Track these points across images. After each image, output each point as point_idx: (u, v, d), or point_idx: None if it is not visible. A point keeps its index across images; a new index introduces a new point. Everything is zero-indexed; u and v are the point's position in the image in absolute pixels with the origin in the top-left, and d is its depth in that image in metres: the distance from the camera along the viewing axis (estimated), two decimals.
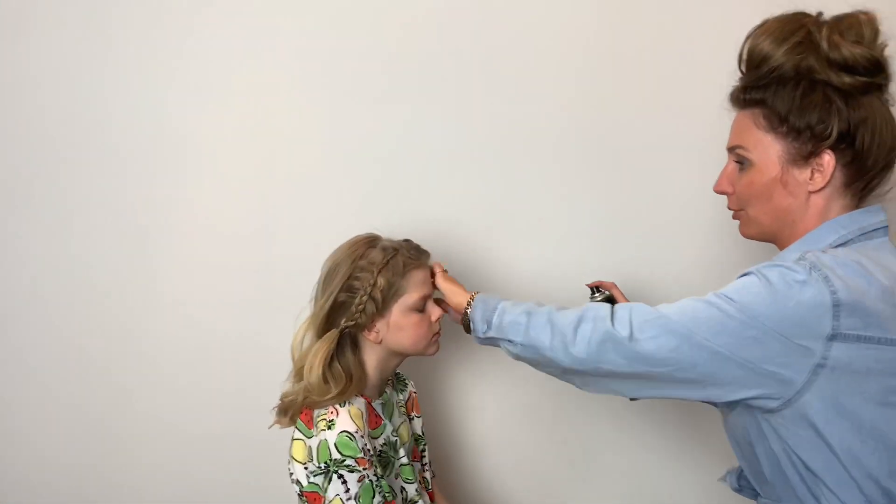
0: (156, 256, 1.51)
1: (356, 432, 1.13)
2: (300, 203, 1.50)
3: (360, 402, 1.19)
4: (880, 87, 1.02)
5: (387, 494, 1.16)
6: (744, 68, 1.06)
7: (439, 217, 1.49)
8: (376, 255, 1.19)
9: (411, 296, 1.20)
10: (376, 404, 1.24)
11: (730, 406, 1.05)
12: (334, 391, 1.16)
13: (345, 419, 1.14)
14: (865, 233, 1.01)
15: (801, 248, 1.02)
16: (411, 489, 1.26)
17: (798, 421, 0.96)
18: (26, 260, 1.52)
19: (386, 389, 1.29)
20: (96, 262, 1.52)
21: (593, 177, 1.49)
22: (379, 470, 1.18)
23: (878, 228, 1.02)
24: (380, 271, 1.17)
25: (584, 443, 1.56)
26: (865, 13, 1.01)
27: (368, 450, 1.15)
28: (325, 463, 1.12)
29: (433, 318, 1.23)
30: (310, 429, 1.17)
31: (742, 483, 1.15)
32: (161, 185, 1.49)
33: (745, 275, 0.99)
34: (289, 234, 1.50)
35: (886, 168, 1.03)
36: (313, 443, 1.15)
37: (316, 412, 1.18)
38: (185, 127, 1.48)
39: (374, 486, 1.14)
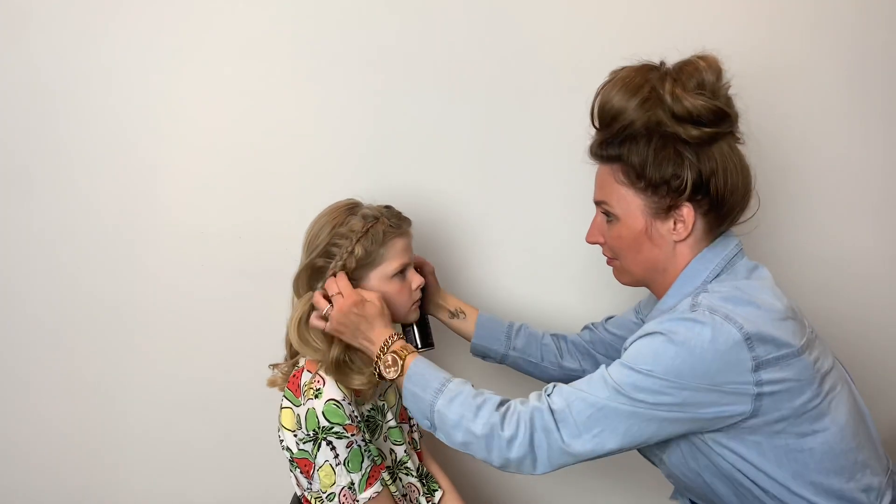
0: (139, 231, 1.52)
1: (343, 400, 1.16)
2: (285, 169, 1.49)
3: None
4: (729, 134, 1.04)
5: (375, 458, 1.20)
6: (597, 124, 1.07)
7: (422, 185, 1.49)
8: (356, 223, 1.19)
9: (391, 264, 1.21)
10: None
11: (663, 448, 1.08)
12: (316, 346, 1.19)
13: (331, 387, 1.17)
14: (729, 260, 1.06)
15: (681, 291, 1.06)
16: (400, 451, 1.30)
17: (740, 439, 1.00)
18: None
19: None
20: (77, 239, 1.52)
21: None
22: (367, 435, 1.21)
23: (737, 253, 1.07)
24: (358, 239, 1.18)
25: None
26: (704, 58, 1.02)
27: (356, 416, 1.18)
28: (314, 430, 1.15)
29: (413, 286, 1.25)
30: (297, 397, 1.19)
31: None
32: (144, 151, 1.48)
33: (647, 335, 1.00)
34: (274, 201, 1.50)
35: (743, 210, 1.07)
36: (301, 411, 1.17)
37: (303, 381, 1.20)
38: (167, 90, 1.46)
39: (363, 450, 1.17)
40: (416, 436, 1.38)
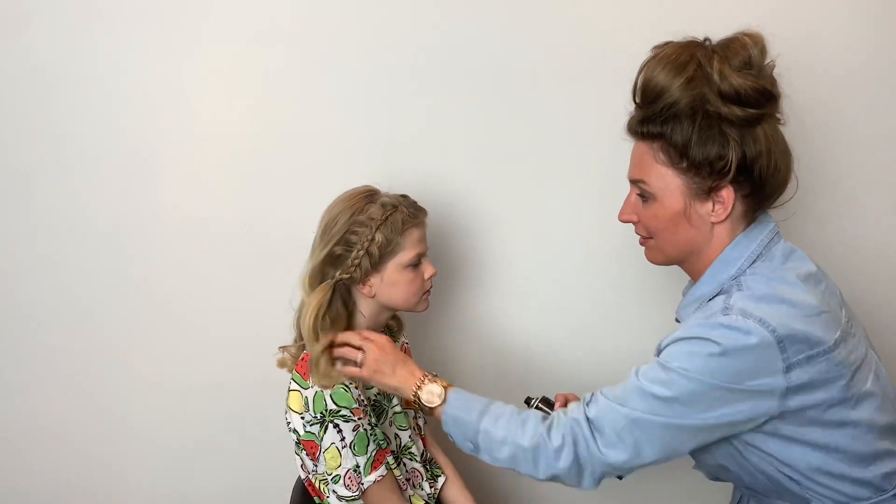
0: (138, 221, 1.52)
1: (350, 384, 1.17)
2: (289, 159, 1.49)
3: None
4: (772, 115, 1.03)
5: (381, 442, 1.21)
6: (639, 100, 1.05)
7: (435, 172, 1.49)
8: (375, 211, 1.20)
9: (407, 253, 1.22)
10: None
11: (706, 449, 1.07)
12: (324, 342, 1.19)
13: None
14: (765, 245, 1.05)
15: (716, 278, 1.05)
16: (405, 436, 1.32)
17: (768, 434, 1.01)
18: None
19: None
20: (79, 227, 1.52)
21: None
22: (373, 419, 1.22)
23: (773, 237, 1.06)
24: (378, 227, 1.18)
25: (571, 382, 1.60)
26: (750, 35, 1.00)
27: (362, 400, 1.19)
28: (321, 413, 1.16)
29: (426, 276, 1.26)
30: (306, 380, 1.21)
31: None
32: (146, 144, 1.48)
33: (682, 340, 1.00)
34: (277, 192, 1.50)
35: (782, 192, 1.06)
36: (309, 394, 1.19)
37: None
38: (170, 82, 1.46)
39: (369, 434, 1.18)
40: (420, 422, 1.40)
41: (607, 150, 1.42)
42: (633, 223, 1.12)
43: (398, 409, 1.31)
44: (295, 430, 1.22)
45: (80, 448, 1.63)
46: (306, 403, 1.19)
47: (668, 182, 1.03)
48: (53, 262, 1.54)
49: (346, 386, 1.17)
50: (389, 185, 1.27)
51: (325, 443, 1.17)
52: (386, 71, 1.45)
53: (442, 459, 1.41)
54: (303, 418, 1.20)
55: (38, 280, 1.54)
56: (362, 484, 1.18)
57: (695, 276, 1.11)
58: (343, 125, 1.47)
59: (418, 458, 1.33)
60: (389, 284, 1.22)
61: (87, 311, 1.56)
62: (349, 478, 1.17)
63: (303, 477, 1.28)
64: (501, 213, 1.52)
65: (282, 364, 1.28)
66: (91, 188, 1.50)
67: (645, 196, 1.07)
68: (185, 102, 1.47)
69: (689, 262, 1.09)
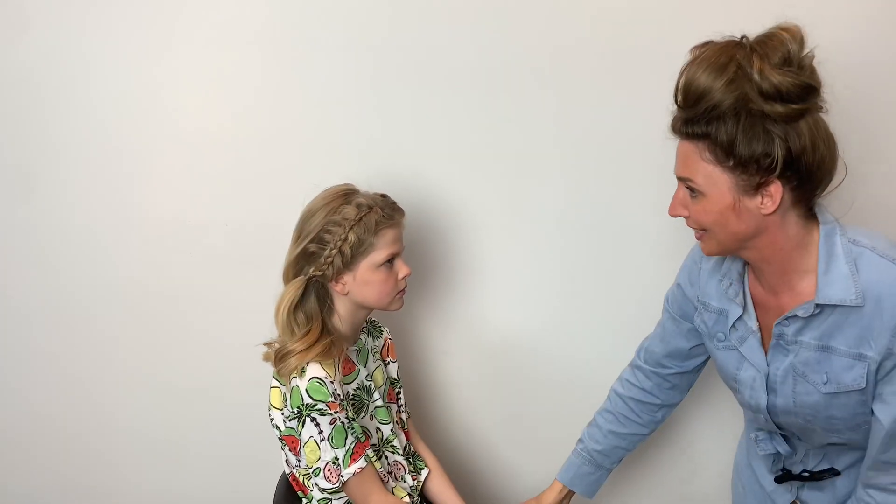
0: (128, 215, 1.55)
1: (325, 378, 1.20)
2: (274, 160, 1.51)
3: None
4: (815, 107, 1.03)
5: (359, 435, 1.24)
6: (681, 102, 1.05)
7: (419, 172, 1.50)
8: (350, 211, 1.22)
9: (380, 253, 1.24)
10: (350, 351, 1.31)
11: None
12: (298, 335, 1.23)
13: (315, 367, 1.21)
14: (832, 237, 1.06)
15: (833, 278, 1.05)
16: (386, 429, 1.34)
17: None
18: None
19: (361, 336, 1.36)
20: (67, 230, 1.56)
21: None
22: (351, 413, 1.25)
23: (835, 225, 1.07)
24: (351, 227, 1.21)
25: (551, 377, 1.62)
26: (787, 29, 1.00)
27: (338, 394, 1.22)
28: (298, 408, 1.19)
29: (399, 276, 1.28)
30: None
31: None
32: (133, 146, 1.51)
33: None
34: (259, 189, 1.53)
35: (830, 180, 1.06)
36: (287, 389, 1.22)
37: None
38: (158, 85, 1.48)
39: (346, 427, 1.21)
40: (403, 415, 1.43)
41: (598, 150, 1.47)
42: (685, 218, 1.12)
43: (379, 403, 1.34)
44: (277, 427, 1.25)
45: (74, 447, 1.66)
46: (284, 399, 1.22)
47: (716, 179, 1.04)
48: (47, 263, 1.57)
49: (321, 380, 1.20)
50: (371, 184, 1.29)
51: (304, 437, 1.20)
52: (369, 71, 1.46)
53: (425, 452, 1.44)
54: (282, 413, 1.23)
55: (33, 282, 1.58)
56: (342, 476, 1.20)
57: (755, 264, 1.12)
58: (326, 126, 1.49)
59: (400, 452, 1.36)
60: (362, 283, 1.25)
61: (80, 312, 1.59)
62: (329, 470, 1.20)
63: (287, 472, 1.31)
64: (487, 212, 1.54)
65: (266, 358, 1.31)
66: (82, 191, 1.54)
67: (693, 192, 1.07)
68: (172, 106, 1.50)
69: (747, 250, 1.09)
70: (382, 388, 1.37)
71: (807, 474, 1.19)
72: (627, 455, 1.42)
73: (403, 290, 1.30)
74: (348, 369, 1.30)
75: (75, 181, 1.53)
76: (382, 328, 1.45)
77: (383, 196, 1.28)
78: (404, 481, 1.35)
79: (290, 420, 1.22)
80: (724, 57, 1.00)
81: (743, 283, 1.15)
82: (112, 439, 1.67)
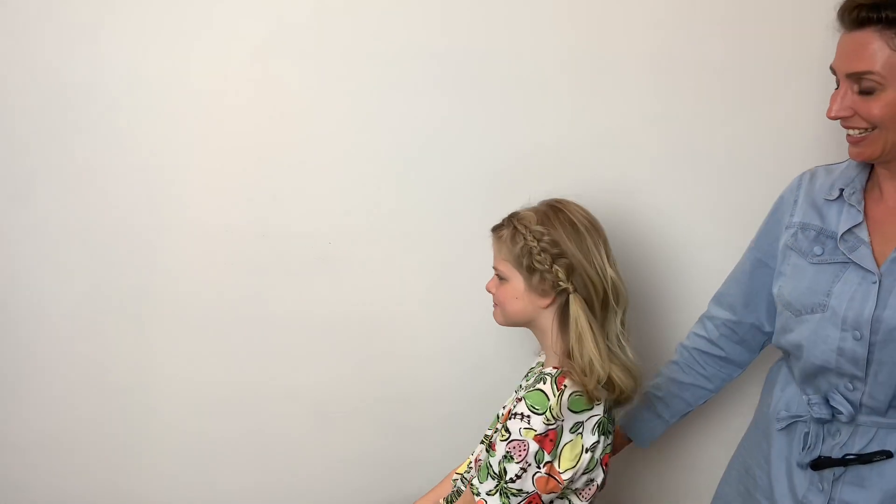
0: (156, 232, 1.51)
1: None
2: (311, 166, 1.47)
3: None
4: None
5: None
6: None
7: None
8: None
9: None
10: None
11: None
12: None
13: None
14: None
15: None
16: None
17: None
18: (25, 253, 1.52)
19: None
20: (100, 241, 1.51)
21: None
22: None
23: None
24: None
25: None
26: None
27: None
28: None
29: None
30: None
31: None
32: (168, 149, 1.47)
33: None
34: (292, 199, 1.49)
35: None
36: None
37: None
38: (193, 88, 1.44)
39: None
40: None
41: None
42: (847, 118, 1.06)
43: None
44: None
45: (120, 452, 1.62)
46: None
47: None
48: (80, 266, 1.53)
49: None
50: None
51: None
52: (406, 76, 1.43)
53: None
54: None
55: (65, 285, 1.53)
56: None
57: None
58: (363, 132, 1.46)
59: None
60: None
61: (112, 315, 1.55)
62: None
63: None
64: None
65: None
66: (134, 197, 1.49)
67: (870, 88, 1.02)
68: (209, 111, 1.46)
69: None
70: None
71: (852, 457, 1.09)
72: (690, 412, 1.36)
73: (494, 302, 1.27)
74: None
75: (130, 187, 1.49)
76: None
77: None
78: None
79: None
80: None
81: (863, 196, 1.12)
82: (157, 445, 1.62)
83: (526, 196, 1.22)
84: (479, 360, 1.52)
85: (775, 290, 1.18)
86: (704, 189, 1.43)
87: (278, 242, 1.49)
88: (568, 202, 1.19)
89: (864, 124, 1.05)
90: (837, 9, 1.04)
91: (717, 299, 1.32)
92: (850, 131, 1.07)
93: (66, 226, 1.50)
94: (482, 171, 1.45)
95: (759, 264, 1.24)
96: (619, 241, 1.27)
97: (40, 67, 1.43)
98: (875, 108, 1.02)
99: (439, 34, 1.40)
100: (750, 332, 1.29)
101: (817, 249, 1.12)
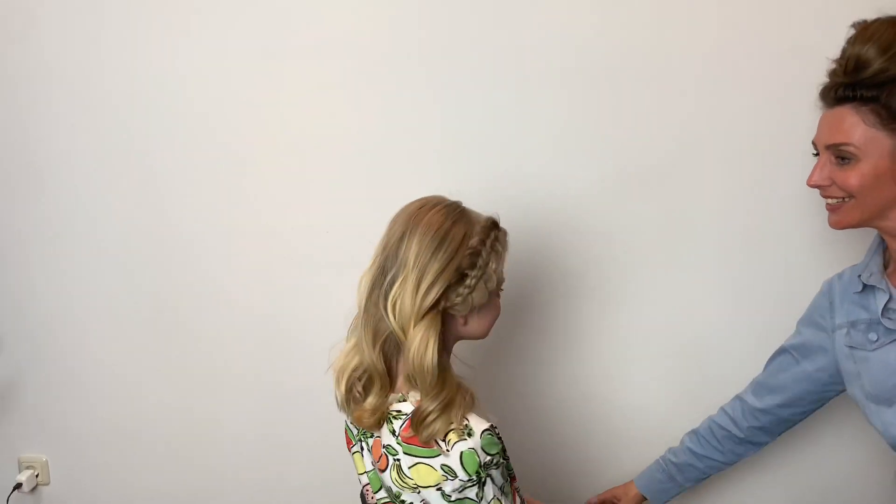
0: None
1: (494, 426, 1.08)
2: (373, 164, 1.51)
3: None
4: None
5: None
6: (851, 69, 1.08)
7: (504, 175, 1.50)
8: (485, 231, 1.12)
9: (501, 276, 1.16)
10: None
11: None
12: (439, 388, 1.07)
13: (473, 417, 1.07)
14: None
15: None
16: None
17: None
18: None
19: None
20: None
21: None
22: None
23: None
24: (493, 250, 1.12)
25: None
26: None
27: None
28: (477, 472, 1.04)
29: None
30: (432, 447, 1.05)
31: None
32: (231, 148, 1.54)
33: None
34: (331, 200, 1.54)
35: None
36: (448, 458, 1.04)
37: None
38: (255, 89, 1.50)
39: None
40: None
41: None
42: (825, 187, 1.15)
43: None
44: None
45: (175, 449, 1.71)
46: (446, 471, 1.04)
47: (879, 143, 1.08)
48: (147, 265, 1.62)
49: (491, 429, 1.07)
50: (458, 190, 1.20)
51: (489, 496, 1.07)
52: (450, 75, 1.46)
53: None
54: (448, 488, 1.05)
55: (135, 286, 1.63)
56: None
57: (892, 234, 1.16)
58: (410, 130, 1.50)
59: None
60: (486, 314, 1.16)
61: (179, 315, 1.64)
62: None
63: None
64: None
65: (362, 422, 1.14)
66: (192, 197, 1.58)
67: (846, 158, 1.11)
68: (272, 111, 1.52)
69: (887, 220, 1.14)
70: None
71: None
72: (705, 479, 1.46)
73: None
74: None
75: (183, 185, 1.57)
76: None
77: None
78: None
79: (465, 490, 1.06)
80: (893, 30, 1.07)
81: (884, 274, 1.19)
82: (217, 442, 1.70)
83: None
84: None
85: (856, 392, 1.22)
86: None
87: (347, 240, 1.49)
88: None
89: (840, 193, 1.13)
90: (819, 90, 1.13)
91: (754, 387, 1.39)
92: (829, 200, 1.16)
93: (143, 224, 1.60)
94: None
95: (793, 362, 1.32)
96: None
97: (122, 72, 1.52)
98: (851, 178, 1.10)
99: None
100: (774, 421, 1.37)
101: (872, 336, 1.18)
